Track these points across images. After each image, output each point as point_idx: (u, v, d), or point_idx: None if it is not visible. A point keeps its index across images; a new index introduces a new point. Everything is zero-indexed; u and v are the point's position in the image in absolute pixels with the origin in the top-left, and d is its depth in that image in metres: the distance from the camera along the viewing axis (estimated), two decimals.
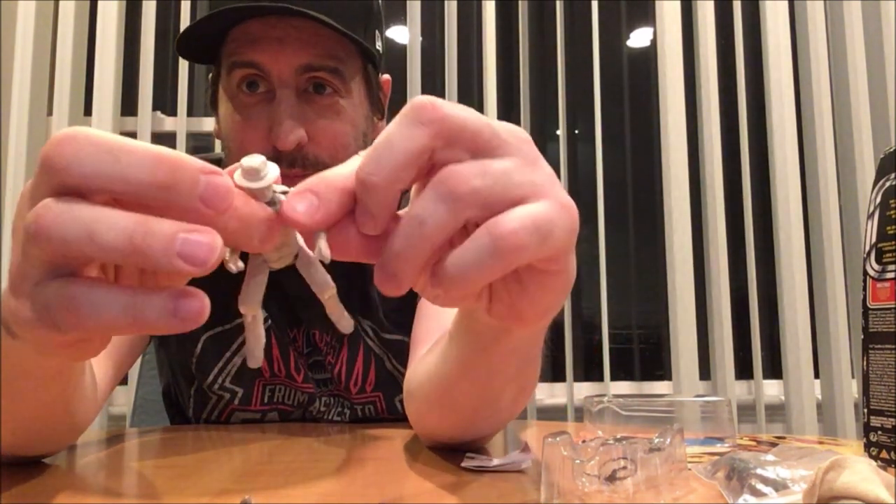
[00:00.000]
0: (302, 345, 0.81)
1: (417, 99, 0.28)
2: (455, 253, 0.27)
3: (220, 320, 0.78)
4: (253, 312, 0.33)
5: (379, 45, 0.75)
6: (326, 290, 0.32)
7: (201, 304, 0.26)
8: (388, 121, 0.81)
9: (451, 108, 0.29)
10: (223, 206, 0.26)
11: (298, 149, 0.67)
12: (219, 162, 0.83)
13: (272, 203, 0.29)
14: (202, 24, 0.67)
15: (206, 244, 0.25)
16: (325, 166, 0.69)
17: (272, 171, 0.29)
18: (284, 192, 0.29)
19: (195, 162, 0.26)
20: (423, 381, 0.54)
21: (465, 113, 0.29)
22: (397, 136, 0.28)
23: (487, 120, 0.29)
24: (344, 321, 0.33)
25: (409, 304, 0.78)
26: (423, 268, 0.28)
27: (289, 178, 0.68)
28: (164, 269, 0.25)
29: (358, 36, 0.68)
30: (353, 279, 0.79)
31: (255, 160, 0.28)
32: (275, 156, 0.66)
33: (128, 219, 0.25)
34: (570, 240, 0.30)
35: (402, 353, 0.78)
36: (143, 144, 0.26)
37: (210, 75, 0.76)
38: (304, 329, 0.80)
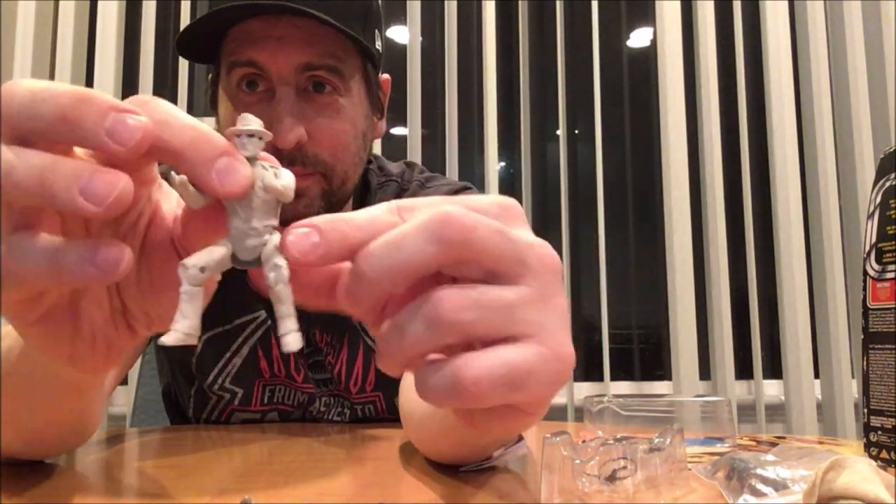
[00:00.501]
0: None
1: (447, 212, 0.26)
2: (424, 370, 0.26)
3: (220, 321, 0.78)
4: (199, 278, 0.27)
5: (378, 45, 0.75)
6: (273, 269, 0.27)
7: (119, 254, 0.25)
8: (388, 121, 0.83)
9: (480, 230, 0.26)
10: (132, 142, 0.24)
11: (298, 147, 0.67)
12: None
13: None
14: (202, 23, 0.67)
15: (108, 181, 0.24)
16: (325, 164, 0.68)
17: (256, 143, 0.27)
18: (274, 169, 0.28)
19: (107, 99, 0.25)
20: (412, 412, 0.54)
21: (493, 236, 0.26)
22: (411, 243, 0.26)
23: (517, 241, 0.27)
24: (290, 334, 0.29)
25: None
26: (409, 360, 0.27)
27: None
28: (69, 208, 0.24)
29: (357, 34, 0.68)
30: None
31: (250, 122, 0.27)
32: (275, 154, 0.65)
33: (41, 158, 0.25)
34: (551, 392, 0.28)
35: None
36: (73, 87, 0.25)
37: (209, 76, 0.76)
38: (303, 328, 0.80)
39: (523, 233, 0.28)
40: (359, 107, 0.73)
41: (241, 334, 0.78)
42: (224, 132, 0.27)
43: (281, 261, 0.27)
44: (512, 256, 0.26)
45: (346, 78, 0.70)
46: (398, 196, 0.82)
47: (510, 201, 0.29)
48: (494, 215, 0.27)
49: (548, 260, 0.28)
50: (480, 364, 0.25)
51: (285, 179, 0.28)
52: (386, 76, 0.80)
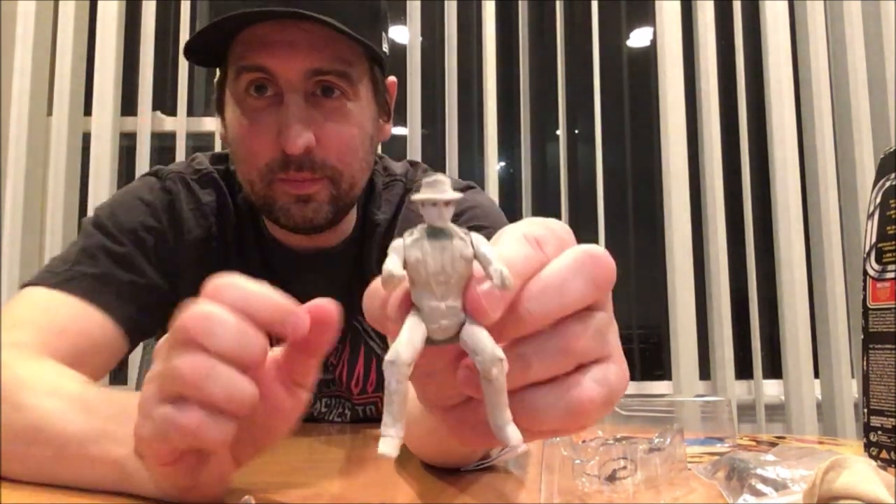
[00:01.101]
0: None
1: (596, 253, 0.28)
2: (536, 395, 0.27)
3: None
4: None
5: (385, 47, 0.75)
6: (496, 364, 0.24)
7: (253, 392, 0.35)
8: (394, 123, 0.83)
9: (614, 267, 0.29)
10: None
11: (307, 152, 0.67)
12: (225, 158, 0.83)
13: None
14: (212, 29, 0.66)
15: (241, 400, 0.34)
16: (334, 169, 0.69)
17: (451, 211, 0.25)
18: (466, 236, 0.25)
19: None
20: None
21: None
22: (573, 287, 0.27)
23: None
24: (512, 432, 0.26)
25: None
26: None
27: (297, 182, 0.67)
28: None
29: (366, 39, 0.67)
30: (352, 281, 0.79)
31: (444, 188, 0.25)
32: (283, 160, 0.67)
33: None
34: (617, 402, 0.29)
35: None
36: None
37: (216, 79, 0.75)
38: None
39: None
40: (366, 110, 0.73)
41: None
42: (414, 198, 0.25)
43: (502, 354, 0.25)
44: (607, 285, 0.28)
45: (354, 82, 0.69)
46: (404, 196, 0.82)
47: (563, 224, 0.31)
48: (568, 239, 0.30)
49: (610, 279, 0.29)
50: (590, 386, 0.27)
51: (479, 244, 0.25)
52: (392, 78, 0.80)
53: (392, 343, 0.25)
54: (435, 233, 0.25)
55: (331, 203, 0.70)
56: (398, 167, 0.87)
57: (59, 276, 0.67)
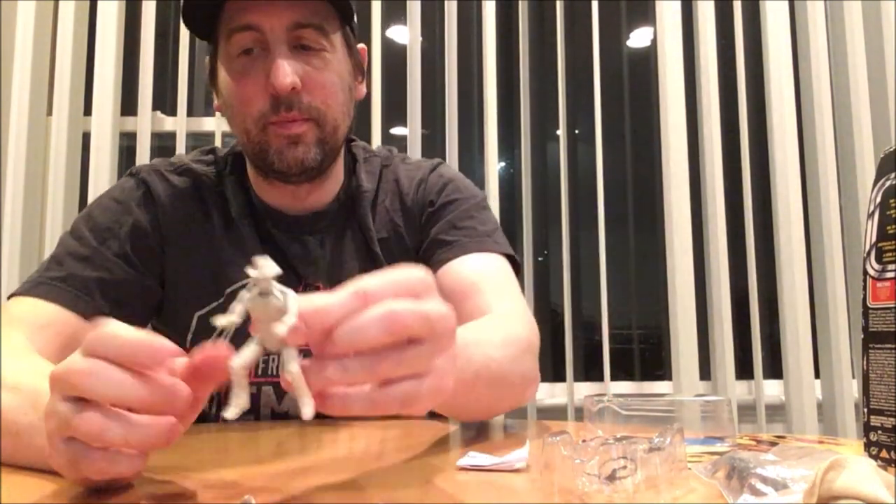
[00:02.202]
0: None
1: (395, 311, 0.38)
2: (353, 389, 0.39)
3: (213, 296, 0.82)
4: (243, 371, 0.39)
5: (353, 7, 0.83)
6: (289, 373, 0.38)
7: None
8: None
9: (413, 322, 0.39)
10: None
11: (295, 93, 0.75)
12: (210, 152, 0.92)
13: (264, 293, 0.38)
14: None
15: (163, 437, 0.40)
16: (318, 111, 0.78)
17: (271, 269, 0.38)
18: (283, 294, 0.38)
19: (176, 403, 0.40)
20: None
21: (418, 320, 0.39)
22: (370, 335, 0.38)
23: (429, 316, 0.40)
24: (307, 407, 0.38)
25: (406, 259, 0.85)
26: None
27: (287, 124, 0.75)
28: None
29: None
30: (350, 239, 0.87)
31: (266, 269, 0.37)
32: (274, 103, 0.75)
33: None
34: (431, 405, 0.42)
35: None
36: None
37: (207, 56, 0.84)
38: (301, 289, 0.85)
39: (431, 304, 0.40)
40: (343, 63, 0.82)
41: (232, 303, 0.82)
42: (249, 272, 0.37)
43: (295, 367, 0.38)
44: (424, 328, 0.39)
45: (329, 35, 0.79)
46: (382, 168, 0.92)
47: (429, 278, 0.42)
48: (421, 290, 0.41)
49: (444, 323, 0.41)
50: (383, 394, 0.39)
51: (287, 303, 0.38)
52: (362, 45, 0.88)
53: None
54: (263, 294, 0.37)
55: (318, 145, 0.79)
56: (376, 149, 0.97)
57: (30, 283, 0.76)
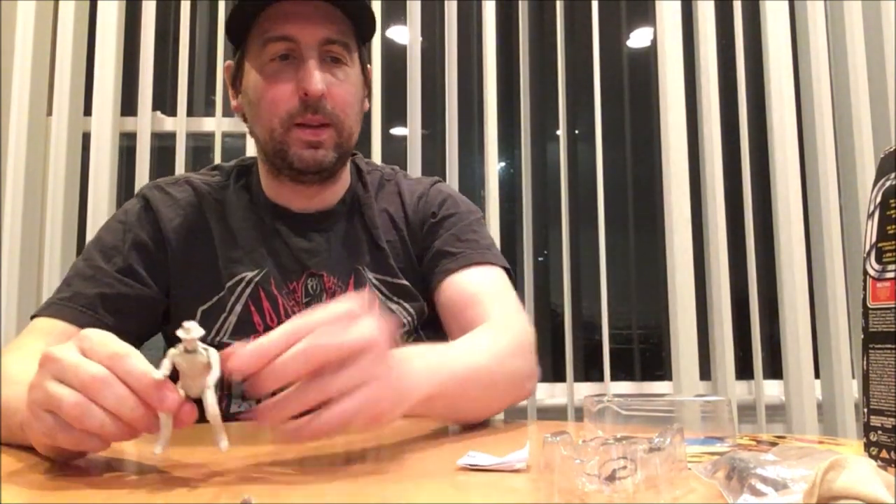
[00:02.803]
0: (301, 294, 0.90)
1: (315, 346, 0.48)
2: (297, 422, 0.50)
3: (214, 290, 0.89)
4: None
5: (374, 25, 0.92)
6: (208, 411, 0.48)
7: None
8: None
9: (330, 353, 0.49)
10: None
11: (321, 98, 0.83)
12: (218, 168, 0.99)
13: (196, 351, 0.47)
14: (247, 4, 0.84)
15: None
16: (337, 118, 0.90)
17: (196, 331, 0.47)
18: (206, 349, 0.48)
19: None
20: None
21: (335, 351, 0.49)
22: (291, 369, 0.48)
23: (348, 347, 0.49)
24: (223, 442, 0.49)
25: (409, 268, 0.93)
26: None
27: (311, 129, 0.86)
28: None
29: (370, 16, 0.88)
30: (355, 238, 0.93)
31: (191, 328, 0.47)
32: (302, 105, 0.84)
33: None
34: (377, 418, 0.53)
35: (404, 294, 0.92)
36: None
37: (235, 56, 0.91)
38: (304, 279, 0.90)
39: (355, 331, 0.49)
40: (358, 78, 0.91)
41: (233, 295, 0.89)
42: (179, 333, 0.47)
43: (215, 410, 0.48)
44: (342, 354, 0.48)
45: (351, 53, 0.88)
46: (381, 181, 1.00)
47: (354, 307, 0.50)
48: (348, 319, 0.50)
49: (368, 346, 0.50)
50: (329, 413, 0.49)
51: (212, 358, 0.48)
52: (370, 66, 0.96)
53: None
54: (189, 351, 0.47)
55: (335, 150, 0.87)
56: (379, 165, 1.05)
57: (44, 305, 0.85)
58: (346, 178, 0.96)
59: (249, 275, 0.89)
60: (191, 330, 0.46)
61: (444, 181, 1.04)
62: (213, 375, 0.47)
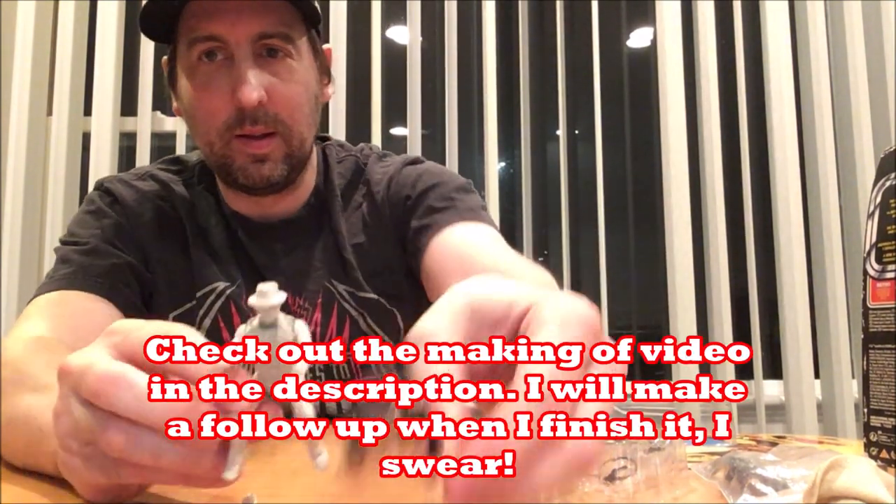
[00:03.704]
0: None
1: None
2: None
3: (187, 297, 0.81)
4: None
5: (317, 7, 0.79)
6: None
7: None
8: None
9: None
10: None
11: (260, 106, 0.72)
12: (176, 161, 0.89)
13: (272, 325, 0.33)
14: (160, 2, 0.72)
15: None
16: (284, 124, 0.74)
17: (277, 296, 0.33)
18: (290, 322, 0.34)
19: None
20: None
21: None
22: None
23: None
24: (322, 456, 0.37)
25: (386, 269, 0.82)
26: None
27: (253, 141, 0.72)
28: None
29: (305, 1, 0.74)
30: (320, 245, 0.82)
31: (267, 287, 0.33)
32: (238, 116, 0.72)
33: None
34: None
35: (378, 313, 0.82)
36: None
37: (165, 56, 0.80)
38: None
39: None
40: (309, 70, 0.78)
41: (203, 306, 0.81)
42: (249, 303, 0.33)
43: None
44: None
45: (295, 42, 0.75)
46: (356, 168, 0.88)
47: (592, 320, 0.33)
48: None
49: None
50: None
51: (300, 334, 0.34)
52: (328, 46, 0.85)
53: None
54: (267, 325, 0.33)
55: (285, 161, 0.76)
56: (354, 147, 0.93)
57: (45, 285, 0.75)
58: (309, 179, 0.85)
59: (221, 286, 0.80)
60: (268, 294, 0.32)
61: (422, 158, 0.90)
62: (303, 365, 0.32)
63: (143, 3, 0.74)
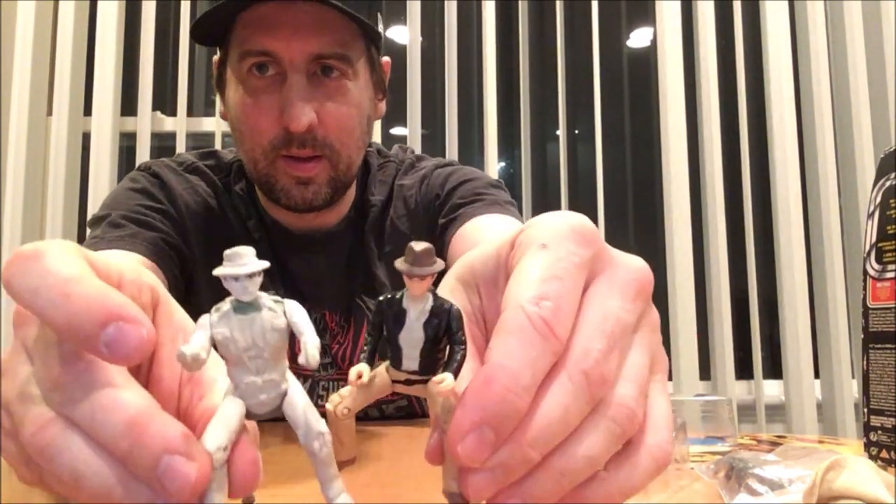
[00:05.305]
0: None
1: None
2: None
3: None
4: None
5: (381, 26, 0.76)
6: (317, 438, 0.25)
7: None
8: (388, 121, 0.85)
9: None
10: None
11: (309, 130, 0.68)
12: (212, 155, 0.85)
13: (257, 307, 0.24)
14: (218, 11, 0.67)
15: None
16: (332, 148, 0.71)
17: (256, 282, 0.24)
18: (277, 304, 0.25)
19: (161, 436, 0.23)
20: None
21: None
22: (584, 436, 0.25)
23: None
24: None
25: None
26: None
27: (299, 163, 0.69)
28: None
29: (363, 18, 0.69)
30: (352, 261, 0.80)
31: (244, 258, 0.24)
32: (286, 137, 0.68)
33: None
34: None
35: None
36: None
37: (216, 57, 0.76)
38: (309, 311, 0.78)
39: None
40: (364, 90, 0.74)
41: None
42: (215, 272, 0.24)
43: (324, 427, 0.24)
44: None
45: (353, 63, 0.71)
46: (396, 174, 0.85)
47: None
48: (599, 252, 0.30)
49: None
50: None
51: (293, 313, 0.25)
52: (387, 59, 0.81)
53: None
54: (242, 307, 0.24)
55: (329, 185, 0.72)
56: (391, 152, 0.90)
57: (93, 245, 0.69)
58: (350, 192, 0.82)
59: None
60: (242, 257, 0.23)
61: (455, 162, 0.88)
62: (310, 352, 0.23)
63: (197, 14, 0.69)
